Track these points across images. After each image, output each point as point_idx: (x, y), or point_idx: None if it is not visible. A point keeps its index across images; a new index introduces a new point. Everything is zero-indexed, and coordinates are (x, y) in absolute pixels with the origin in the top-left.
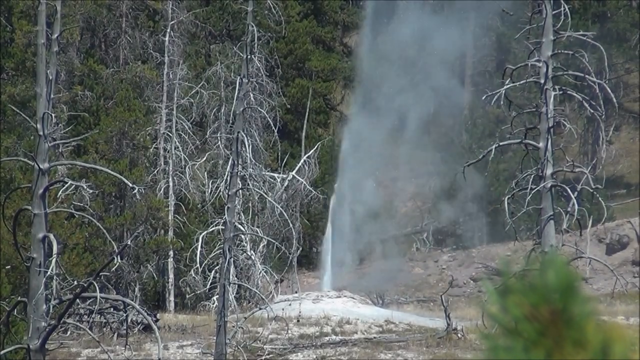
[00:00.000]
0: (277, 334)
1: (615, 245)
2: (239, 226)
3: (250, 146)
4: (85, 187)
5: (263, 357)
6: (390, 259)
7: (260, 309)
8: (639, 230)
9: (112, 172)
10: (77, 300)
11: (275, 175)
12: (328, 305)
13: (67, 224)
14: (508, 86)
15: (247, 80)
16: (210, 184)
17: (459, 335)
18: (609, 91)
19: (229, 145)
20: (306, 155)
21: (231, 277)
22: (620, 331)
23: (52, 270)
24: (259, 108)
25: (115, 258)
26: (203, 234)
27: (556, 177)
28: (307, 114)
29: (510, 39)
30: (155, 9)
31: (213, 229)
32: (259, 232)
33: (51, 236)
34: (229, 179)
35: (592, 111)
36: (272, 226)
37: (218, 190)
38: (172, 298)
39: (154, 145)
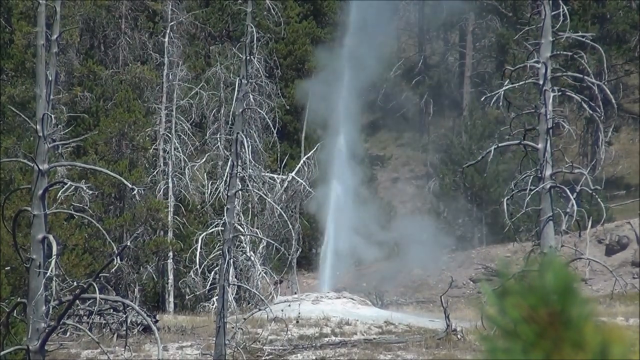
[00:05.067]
0: (276, 335)
1: (614, 246)
2: (239, 227)
3: (250, 147)
4: (84, 188)
5: (263, 358)
6: (389, 260)
7: (259, 310)
8: (639, 232)
9: (111, 173)
10: (77, 301)
11: (275, 176)
12: (327, 306)
13: (67, 225)
14: (507, 87)
15: (246, 81)
16: (209, 185)
17: (459, 336)
18: (608, 92)
19: (229, 146)
20: (306, 157)
21: (231, 278)
22: (619, 332)
23: (51, 271)
24: (258, 109)
25: (115, 259)
26: (202, 235)
27: (555, 178)
28: (306, 115)
29: (509, 39)
30: (155, 10)
31: (212, 230)
32: (258, 233)
33: (51, 237)
34: (228, 180)
35: (591, 112)
36: (272, 227)
37: (217, 191)
38: (171, 299)
39: (153, 146)
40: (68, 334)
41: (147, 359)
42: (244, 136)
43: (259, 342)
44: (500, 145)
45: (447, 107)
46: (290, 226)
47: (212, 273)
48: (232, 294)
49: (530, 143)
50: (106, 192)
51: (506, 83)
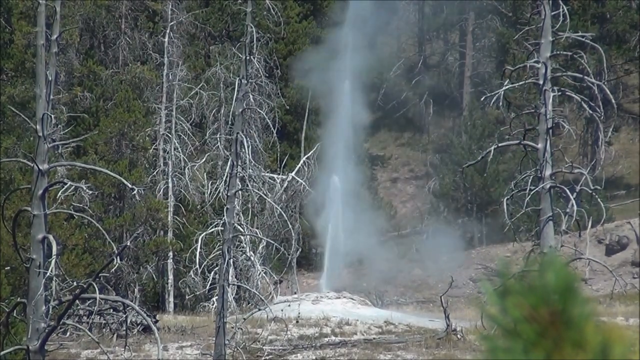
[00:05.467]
0: (276, 335)
1: (614, 246)
2: (239, 227)
3: (250, 147)
4: (84, 188)
5: (262, 358)
6: (389, 260)
7: (259, 310)
8: (639, 231)
9: (111, 173)
10: (77, 301)
11: (275, 176)
12: (327, 306)
13: (67, 225)
14: (507, 87)
15: (246, 81)
16: (209, 185)
17: (459, 336)
18: (608, 92)
19: (229, 146)
20: (305, 156)
21: (230, 278)
22: (620, 332)
23: (51, 271)
24: (258, 109)
25: (115, 259)
26: (202, 235)
27: (555, 178)
28: (306, 115)
29: (509, 39)
30: (155, 10)
31: (212, 230)
32: (258, 233)
33: (51, 237)
34: (228, 179)
35: (591, 112)
36: (272, 227)
37: (217, 191)
38: (171, 299)
39: (153, 146)
40: (68, 334)
41: (147, 359)
42: (243, 136)
43: (259, 342)
44: (500, 145)
45: (447, 107)
46: (290, 226)
47: (212, 273)
48: (232, 294)
49: (530, 143)
50: (106, 192)
51: (506, 83)
